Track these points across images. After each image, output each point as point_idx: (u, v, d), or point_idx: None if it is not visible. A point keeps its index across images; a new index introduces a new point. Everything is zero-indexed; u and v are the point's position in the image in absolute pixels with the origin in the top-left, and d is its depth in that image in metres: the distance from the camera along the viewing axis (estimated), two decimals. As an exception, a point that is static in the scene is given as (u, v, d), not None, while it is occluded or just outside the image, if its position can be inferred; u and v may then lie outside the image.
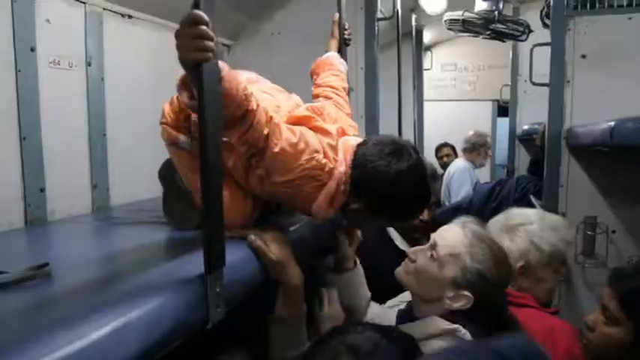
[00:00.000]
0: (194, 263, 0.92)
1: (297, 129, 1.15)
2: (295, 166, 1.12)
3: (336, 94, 1.54)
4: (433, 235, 1.32)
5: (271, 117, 1.08)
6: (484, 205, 3.28)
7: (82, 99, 1.70)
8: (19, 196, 1.46)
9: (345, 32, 1.84)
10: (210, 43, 0.85)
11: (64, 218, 1.58)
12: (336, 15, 1.82)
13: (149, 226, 1.42)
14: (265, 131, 1.06)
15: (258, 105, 1.03)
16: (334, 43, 1.80)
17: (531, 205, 2.48)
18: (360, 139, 1.26)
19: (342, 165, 1.18)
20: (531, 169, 3.42)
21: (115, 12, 1.83)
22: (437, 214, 3.64)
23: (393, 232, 2.10)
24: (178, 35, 0.85)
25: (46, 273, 0.89)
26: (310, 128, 1.20)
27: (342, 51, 1.80)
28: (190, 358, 1.07)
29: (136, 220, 1.49)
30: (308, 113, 1.25)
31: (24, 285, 0.86)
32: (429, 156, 4.93)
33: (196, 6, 0.85)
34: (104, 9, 1.77)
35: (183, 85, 0.96)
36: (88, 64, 1.70)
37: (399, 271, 1.34)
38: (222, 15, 0.90)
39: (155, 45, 2.01)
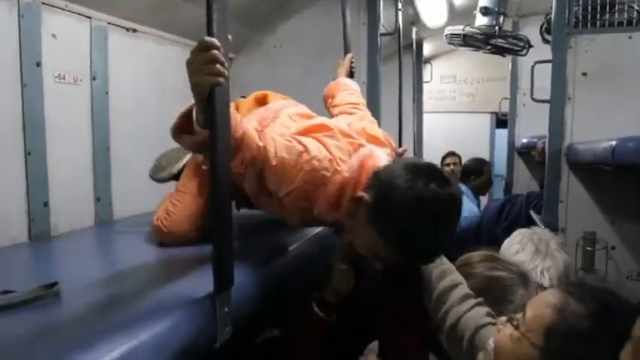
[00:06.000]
0: (201, 282, 0.92)
1: (296, 137, 1.14)
2: (295, 173, 1.09)
3: (357, 109, 1.52)
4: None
5: (260, 131, 1.08)
6: (495, 225, 2.96)
7: (87, 113, 1.70)
8: (24, 210, 1.46)
9: (352, 65, 1.88)
10: (222, 68, 0.86)
11: (68, 232, 1.58)
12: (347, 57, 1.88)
13: (153, 241, 1.42)
14: (260, 144, 1.05)
15: (244, 131, 1.01)
16: (343, 71, 1.81)
17: (531, 220, 2.48)
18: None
19: (350, 169, 1.11)
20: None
21: (119, 26, 1.84)
22: None
23: None
24: (191, 62, 0.86)
25: (54, 293, 0.89)
26: (314, 132, 1.17)
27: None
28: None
29: (139, 235, 1.49)
30: (319, 122, 1.24)
31: (33, 305, 0.86)
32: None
33: (209, 26, 0.86)
34: (109, 23, 1.78)
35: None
36: (93, 78, 1.71)
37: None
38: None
39: (159, 58, 2.02)
